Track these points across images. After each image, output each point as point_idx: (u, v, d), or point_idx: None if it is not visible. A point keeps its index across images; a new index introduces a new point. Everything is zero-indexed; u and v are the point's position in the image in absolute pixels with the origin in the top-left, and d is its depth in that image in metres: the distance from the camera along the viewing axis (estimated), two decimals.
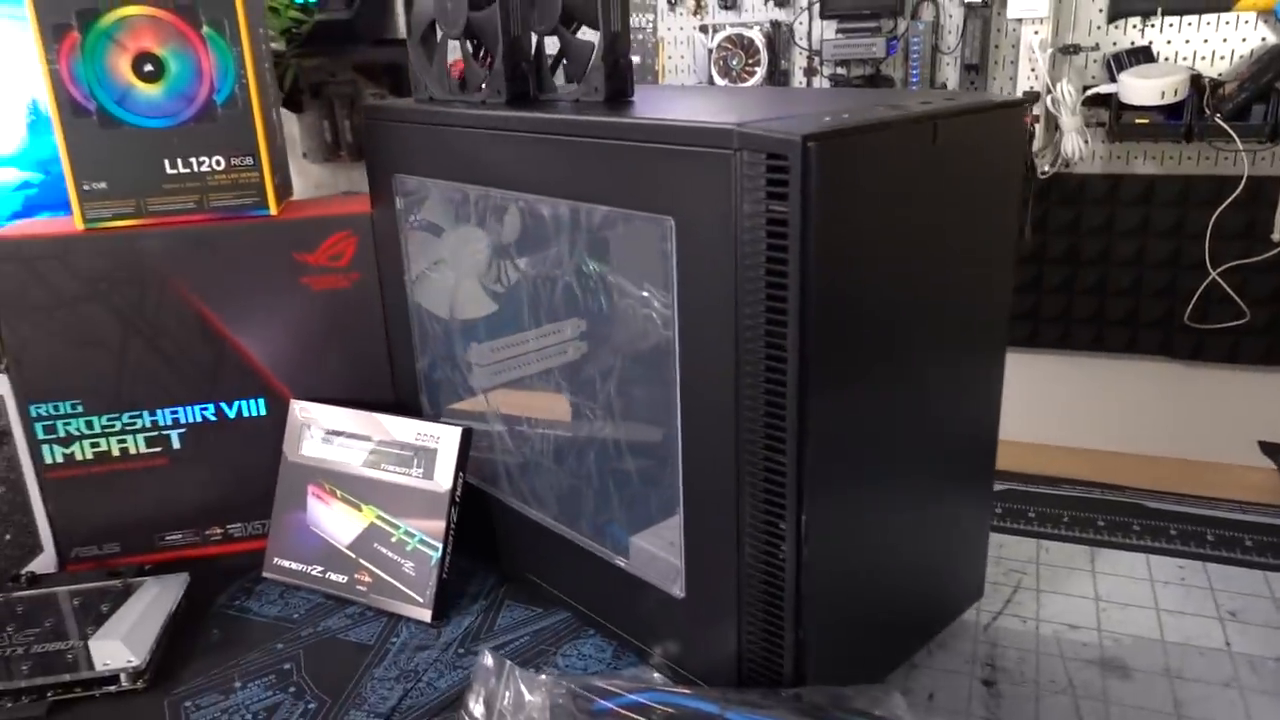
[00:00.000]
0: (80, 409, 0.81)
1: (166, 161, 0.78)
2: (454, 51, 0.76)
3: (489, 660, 0.61)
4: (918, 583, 0.67)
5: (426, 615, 0.76)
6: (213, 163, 0.79)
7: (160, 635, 0.72)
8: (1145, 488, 0.94)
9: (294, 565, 0.81)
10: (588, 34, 0.68)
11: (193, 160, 0.78)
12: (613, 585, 0.70)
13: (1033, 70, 1.71)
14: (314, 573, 0.80)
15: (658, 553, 0.67)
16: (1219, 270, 1.64)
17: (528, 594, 0.79)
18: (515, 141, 0.65)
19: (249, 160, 0.79)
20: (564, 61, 0.72)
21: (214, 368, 0.83)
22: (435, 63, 0.77)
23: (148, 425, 0.82)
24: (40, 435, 0.81)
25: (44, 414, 0.80)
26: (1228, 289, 1.65)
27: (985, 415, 0.68)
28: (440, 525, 0.77)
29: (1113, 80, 1.66)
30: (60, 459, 0.82)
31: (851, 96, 0.65)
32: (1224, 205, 1.61)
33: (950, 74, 1.78)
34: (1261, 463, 1.02)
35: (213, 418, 0.84)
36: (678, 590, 0.64)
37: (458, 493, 0.77)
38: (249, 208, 0.80)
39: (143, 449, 0.83)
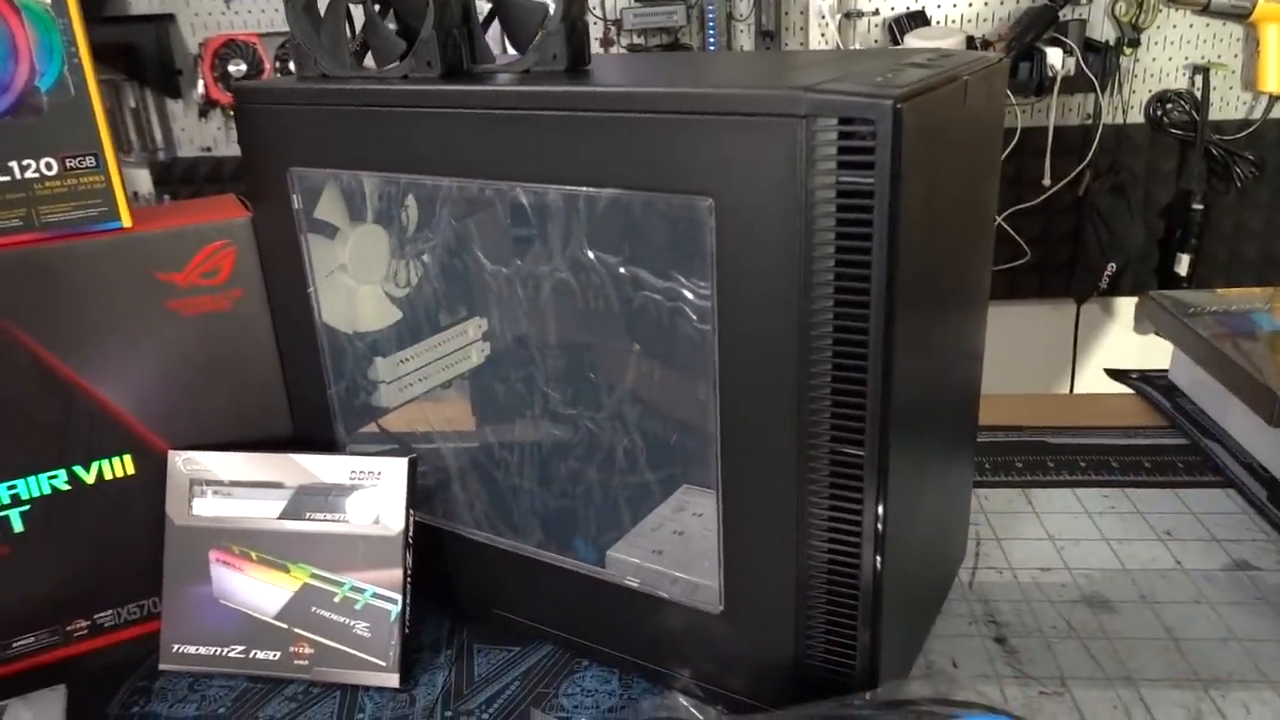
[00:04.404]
0: None
1: None
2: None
3: None
4: (936, 552, 0.66)
5: (393, 680, 0.65)
6: (41, 166, 0.62)
7: None
8: (1036, 424, 0.99)
9: (202, 650, 0.67)
10: None
11: (13, 165, 0.61)
12: (619, 609, 0.63)
13: (823, 35, 1.77)
14: (233, 654, 0.67)
15: (667, 571, 0.61)
16: (1002, 215, 1.80)
17: (495, 633, 0.70)
18: (482, 121, 0.56)
19: (90, 161, 0.63)
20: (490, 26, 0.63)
21: (61, 424, 0.66)
22: (325, 33, 0.65)
23: None
24: None
25: None
26: (1011, 231, 1.80)
27: (976, 372, 0.68)
28: (396, 574, 0.66)
29: (896, 43, 1.75)
30: None
31: (836, 57, 0.61)
32: (1003, 155, 1.76)
33: (745, 40, 1.80)
34: (1109, 388, 1.11)
35: (65, 486, 0.67)
36: (713, 605, 0.59)
37: (410, 533, 0.67)
38: (94, 221, 0.64)
39: None
